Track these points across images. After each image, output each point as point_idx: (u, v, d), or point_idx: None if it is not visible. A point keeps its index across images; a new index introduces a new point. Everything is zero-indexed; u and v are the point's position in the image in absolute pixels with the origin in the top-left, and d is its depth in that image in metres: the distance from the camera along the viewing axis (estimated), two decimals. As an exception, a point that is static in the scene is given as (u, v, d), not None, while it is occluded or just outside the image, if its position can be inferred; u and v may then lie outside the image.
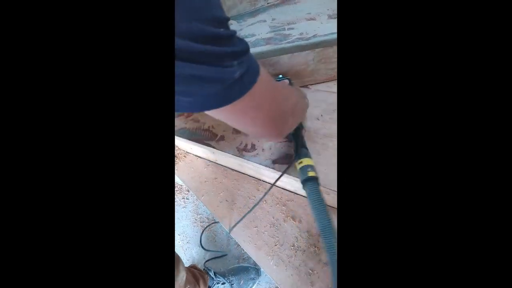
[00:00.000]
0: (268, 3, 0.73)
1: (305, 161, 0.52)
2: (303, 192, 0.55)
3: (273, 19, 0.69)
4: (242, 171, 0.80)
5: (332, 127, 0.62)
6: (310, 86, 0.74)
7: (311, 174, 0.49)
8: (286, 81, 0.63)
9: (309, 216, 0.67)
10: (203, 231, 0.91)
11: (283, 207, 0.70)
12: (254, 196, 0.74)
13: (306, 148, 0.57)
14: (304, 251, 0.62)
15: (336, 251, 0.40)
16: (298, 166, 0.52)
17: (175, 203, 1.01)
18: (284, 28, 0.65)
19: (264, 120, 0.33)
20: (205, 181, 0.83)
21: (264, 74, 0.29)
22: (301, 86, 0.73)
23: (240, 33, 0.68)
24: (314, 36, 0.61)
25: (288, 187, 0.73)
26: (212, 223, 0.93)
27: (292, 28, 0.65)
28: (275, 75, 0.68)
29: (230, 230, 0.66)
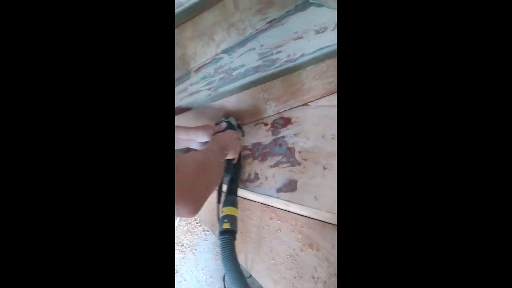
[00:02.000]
0: (256, 30, 0.74)
1: (227, 210, 0.52)
2: (318, 216, 0.51)
3: (261, 45, 0.69)
4: (254, 199, 0.78)
5: (336, 145, 0.58)
6: (310, 103, 0.72)
7: (225, 226, 0.49)
8: (224, 124, 0.65)
9: (327, 242, 0.62)
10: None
11: (299, 235, 0.66)
12: (268, 226, 0.71)
13: (235, 195, 0.56)
14: (325, 282, 0.57)
15: None
16: (220, 214, 0.53)
17: (196, 236, 1.01)
18: (272, 53, 0.65)
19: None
20: (219, 213, 0.82)
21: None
22: (301, 105, 0.71)
23: (231, 66, 0.69)
24: (302, 55, 0.60)
25: (302, 212, 0.69)
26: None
27: (280, 52, 0.64)
28: (266, 101, 0.68)
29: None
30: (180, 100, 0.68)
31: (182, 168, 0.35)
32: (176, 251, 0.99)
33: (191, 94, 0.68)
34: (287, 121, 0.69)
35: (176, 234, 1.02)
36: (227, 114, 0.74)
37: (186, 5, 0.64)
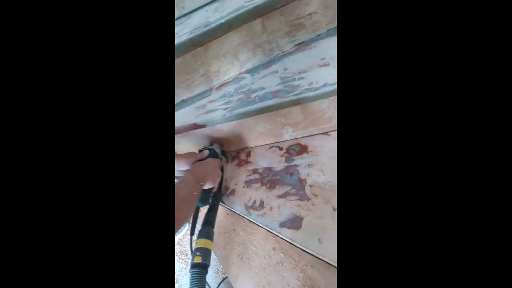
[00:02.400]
0: (283, 52, 0.73)
1: (200, 243, 0.50)
2: (326, 258, 0.47)
3: (285, 69, 0.67)
4: (260, 224, 0.75)
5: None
6: (330, 133, 0.67)
7: (197, 259, 0.47)
8: (206, 152, 0.65)
9: (330, 289, 0.57)
10: (219, 284, 0.87)
11: (301, 274, 0.61)
12: (270, 256, 0.67)
13: (211, 226, 0.55)
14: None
15: None
16: (194, 245, 0.51)
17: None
18: (294, 78, 0.62)
19: None
20: (224, 232, 0.80)
21: None
22: (321, 133, 0.67)
23: (251, 87, 0.68)
24: (324, 85, 0.56)
25: (308, 249, 0.64)
26: (226, 277, 0.88)
27: (302, 78, 0.61)
28: (283, 125, 0.65)
29: None
30: (196, 117, 0.69)
31: None
32: (179, 260, 1.00)
33: (208, 112, 0.68)
34: (303, 149, 0.66)
35: (182, 243, 1.03)
36: (212, 141, 0.75)
37: (212, 25, 0.64)
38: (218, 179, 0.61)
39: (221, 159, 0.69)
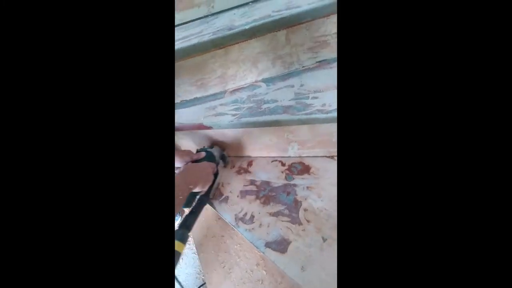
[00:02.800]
0: (302, 67, 0.71)
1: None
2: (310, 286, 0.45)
3: (301, 85, 0.65)
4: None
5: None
6: (335, 158, 0.65)
7: None
8: (203, 153, 0.63)
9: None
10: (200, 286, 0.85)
11: (279, 296, 0.59)
12: (252, 272, 0.65)
13: (188, 229, 0.51)
14: None
15: None
16: None
17: (187, 248, 1.00)
18: (308, 97, 0.61)
19: None
20: (212, 236, 0.79)
21: None
22: (326, 156, 0.65)
23: (264, 97, 0.67)
24: (336, 110, 0.54)
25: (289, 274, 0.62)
26: (204, 284, 0.87)
27: (316, 98, 0.59)
28: (290, 142, 0.63)
29: None
30: (204, 117, 0.68)
31: None
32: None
33: (217, 115, 0.68)
34: (305, 169, 0.64)
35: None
36: (215, 143, 0.72)
37: (236, 29, 0.64)
38: (209, 184, 0.59)
39: (217, 163, 0.67)
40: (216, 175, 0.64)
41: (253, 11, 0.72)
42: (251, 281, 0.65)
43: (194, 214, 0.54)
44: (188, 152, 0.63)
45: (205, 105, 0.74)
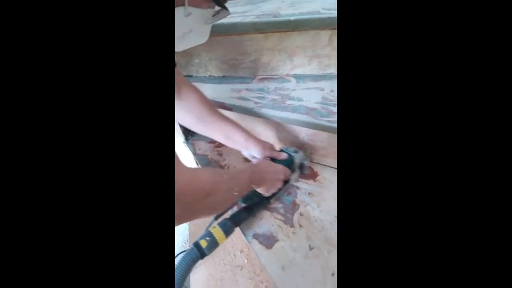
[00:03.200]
0: (338, 72, 0.69)
1: (216, 232, 0.46)
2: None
3: (331, 90, 0.63)
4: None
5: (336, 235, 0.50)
6: (346, 173, 0.63)
7: (203, 244, 0.44)
8: (284, 155, 0.58)
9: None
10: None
11: None
12: (234, 256, 0.67)
13: (236, 225, 0.49)
14: None
15: None
16: (209, 228, 0.48)
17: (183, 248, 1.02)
18: (335, 104, 0.59)
19: None
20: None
21: None
22: (335, 168, 0.64)
23: (290, 94, 0.66)
24: (361, 125, 0.52)
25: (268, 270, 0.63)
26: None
27: (343, 107, 0.57)
28: (303, 144, 0.62)
29: None
30: (228, 98, 0.68)
31: (183, 182, 0.30)
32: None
33: (240, 98, 0.67)
34: (312, 175, 0.63)
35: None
36: (300, 147, 0.63)
37: (280, 18, 0.62)
38: (273, 191, 0.54)
39: (293, 171, 0.58)
40: (287, 182, 0.57)
41: (303, 3, 0.70)
42: (231, 265, 0.67)
43: (248, 212, 0.51)
44: (270, 147, 0.58)
45: (232, 86, 0.74)
